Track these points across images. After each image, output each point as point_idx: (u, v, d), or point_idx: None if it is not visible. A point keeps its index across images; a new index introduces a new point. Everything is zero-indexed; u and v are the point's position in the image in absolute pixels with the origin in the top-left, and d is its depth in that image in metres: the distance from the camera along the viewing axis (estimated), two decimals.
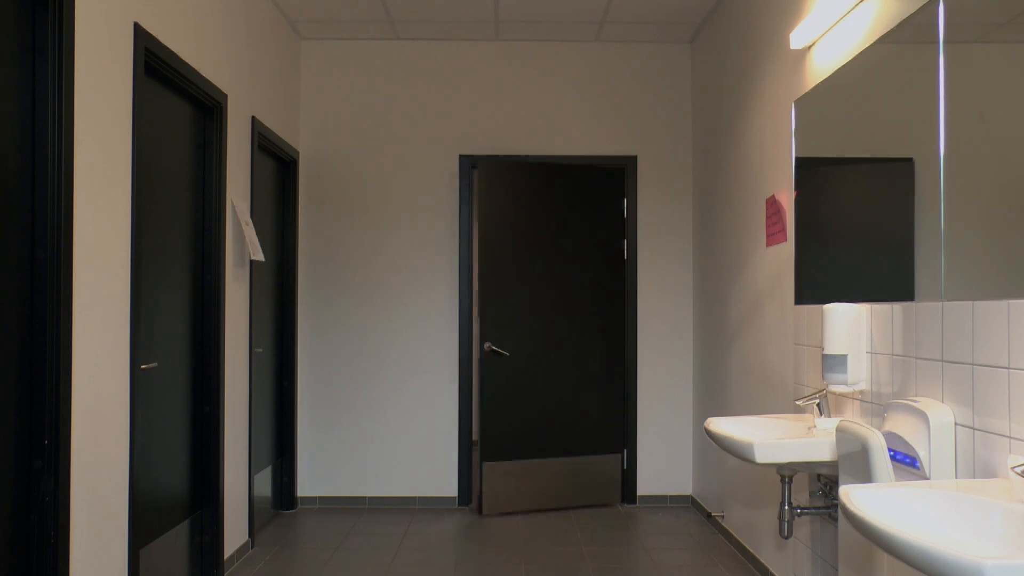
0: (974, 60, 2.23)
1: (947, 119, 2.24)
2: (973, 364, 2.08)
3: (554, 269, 5.12)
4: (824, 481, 2.96)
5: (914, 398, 2.31)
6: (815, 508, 2.94)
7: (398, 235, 5.27)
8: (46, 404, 2.39)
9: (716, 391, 4.69)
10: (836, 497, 2.86)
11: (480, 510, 5.00)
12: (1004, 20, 2.12)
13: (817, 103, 3.20)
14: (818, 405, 2.89)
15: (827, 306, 2.79)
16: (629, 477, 5.29)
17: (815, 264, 3.25)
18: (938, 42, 2.27)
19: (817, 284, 3.24)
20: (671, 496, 5.28)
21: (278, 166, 5.00)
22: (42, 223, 2.40)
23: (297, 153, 5.18)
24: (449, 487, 5.25)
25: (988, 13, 2.19)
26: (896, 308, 2.52)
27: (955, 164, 2.22)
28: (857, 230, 2.97)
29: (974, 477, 2.07)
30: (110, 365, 2.76)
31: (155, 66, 3.13)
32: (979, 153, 2.21)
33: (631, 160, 5.26)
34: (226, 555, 3.90)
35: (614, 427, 5.27)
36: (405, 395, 5.25)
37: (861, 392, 2.75)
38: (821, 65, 3.17)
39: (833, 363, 2.74)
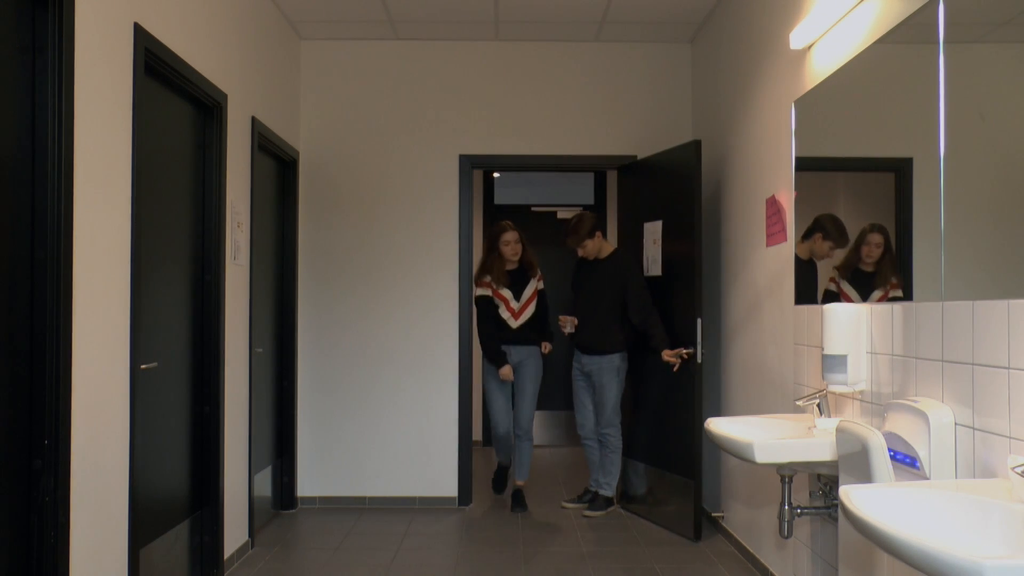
0: (974, 60, 2.23)
1: (947, 119, 2.24)
2: (973, 364, 2.08)
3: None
4: (824, 481, 2.96)
5: (914, 398, 2.30)
6: (815, 508, 2.94)
7: (398, 235, 5.27)
8: (46, 404, 2.39)
9: (716, 391, 4.68)
10: (836, 497, 2.86)
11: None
12: (1004, 20, 2.12)
13: (817, 103, 3.20)
14: (818, 405, 2.89)
15: (827, 306, 2.78)
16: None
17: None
18: (938, 42, 2.26)
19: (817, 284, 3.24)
20: None
21: (278, 166, 5.00)
22: (42, 223, 2.40)
23: (297, 153, 5.18)
24: (449, 487, 5.24)
25: (988, 13, 2.19)
26: (896, 308, 2.52)
27: (955, 164, 2.22)
28: (858, 229, 2.96)
29: (974, 477, 2.07)
30: (110, 365, 2.76)
31: (155, 66, 3.13)
32: (979, 153, 2.21)
33: (631, 160, 5.26)
34: (226, 555, 3.90)
35: None
36: (405, 395, 5.25)
37: (861, 392, 2.75)
38: (821, 65, 3.17)
39: (833, 363, 2.74)
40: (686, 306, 4.54)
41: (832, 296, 3.02)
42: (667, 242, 4.78)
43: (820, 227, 3.19)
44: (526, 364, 5.12)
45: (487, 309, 5.06)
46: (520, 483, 5.20)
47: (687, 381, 4.52)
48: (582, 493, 5.23)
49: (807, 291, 3.28)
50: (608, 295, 4.90)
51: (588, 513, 4.98)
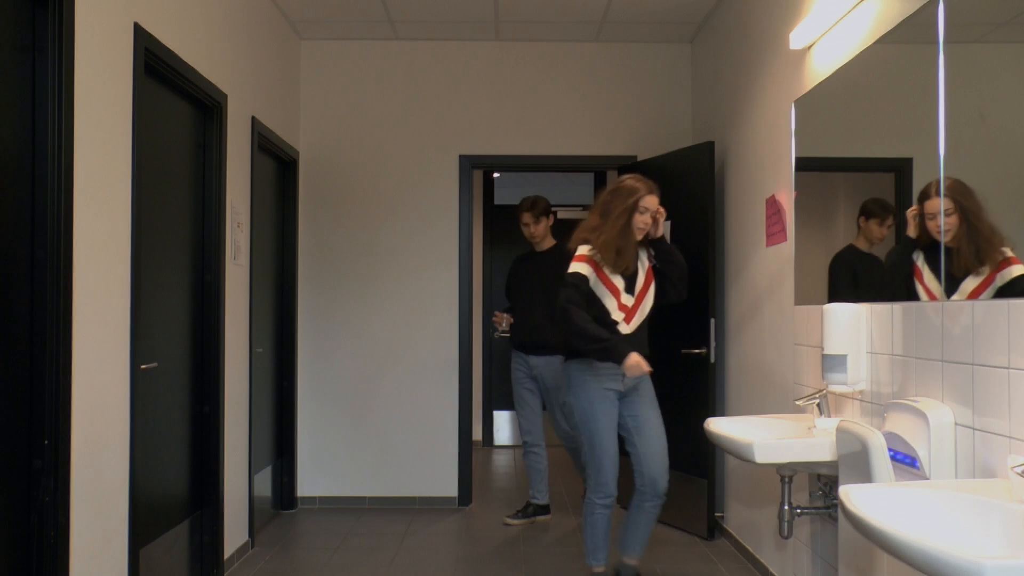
0: (974, 60, 2.23)
1: (947, 119, 2.24)
2: (973, 364, 2.08)
3: None
4: (824, 481, 2.96)
5: (914, 398, 2.30)
6: (815, 508, 2.94)
7: (398, 235, 5.27)
8: (46, 404, 2.39)
9: (716, 391, 4.68)
10: (836, 497, 2.86)
11: None
12: (1004, 20, 2.12)
13: (817, 103, 3.20)
14: (818, 405, 2.89)
15: (827, 306, 2.78)
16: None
17: (815, 264, 3.25)
18: (938, 42, 2.26)
19: (817, 284, 3.23)
20: None
21: (278, 166, 5.00)
22: (42, 223, 2.40)
23: (297, 153, 5.18)
24: (449, 487, 5.24)
25: (988, 13, 2.19)
26: (896, 308, 2.51)
27: (955, 164, 2.22)
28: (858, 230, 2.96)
29: (974, 477, 2.07)
30: (110, 365, 2.76)
31: (155, 66, 3.13)
32: (979, 153, 2.21)
33: (631, 160, 5.26)
34: (226, 555, 3.90)
35: None
36: (405, 395, 5.25)
37: (861, 392, 2.75)
38: (821, 65, 3.17)
39: (833, 363, 2.73)
40: (697, 306, 4.55)
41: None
42: (676, 242, 4.76)
43: (865, 211, 2.81)
44: (643, 385, 3.47)
45: (582, 289, 3.34)
46: (634, 561, 3.52)
47: (699, 380, 4.52)
48: (524, 507, 4.93)
49: (882, 285, 2.76)
50: (551, 289, 4.17)
51: (509, 521, 4.81)
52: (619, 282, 3.38)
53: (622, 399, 3.43)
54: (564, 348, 3.69)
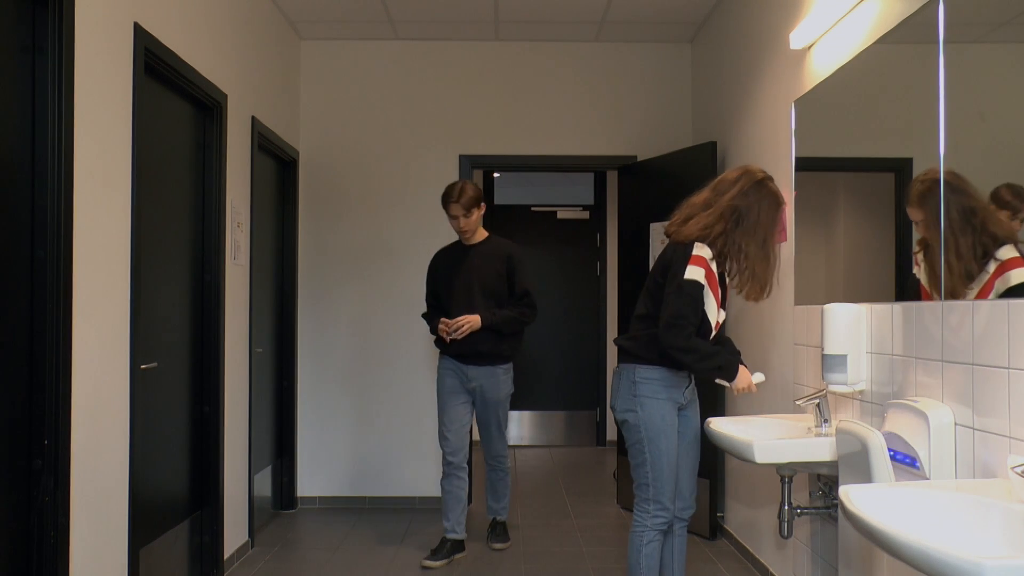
0: (974, 60, 2.23)
1: (947, 119, 2.24)
2: (973, 364, 2.08)
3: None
4: (824, 481, 2.96)
5: (914, 398, 2.30)
6: (815, 508, 2.93)
7: (398, 235, 5.27)
8: (46, 404, 2.39)
9: (716, 391, 4.68)
10: (836, 497, 2.86)
11: None
12: (1004, 20, 2.12)
13: (817, 103, 3.20)
14: (818, 405, 2.88)
15: (827, 306, 2.78)
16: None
17: (815, 264, 3.25)
18: (938, 42, 2.26)
19: (817, 284, 3.24)
20: None
21: (278, 166, 5.00)
22: (42, 223, 2.40)
23: (297, 153, 5.18)
24: None
25: (988, 13, 2.19)
26: (896, 308, 2.51)
27: (955, 164, 2.22)
28: (858, 229, 2.96)
29: (974, 477, 2.07)
30: (110, 365, 2.76)
31: (155, 66, 3.13)
32: (979, 153, 2.21)
33: (631, 160, 5.26)
34: (226, 555, 3.90)
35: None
36: (405, 395, 5.24)
37: (861, 392, 2.75)
38: (821, 65, 3.17)
39: (833, 363, 2.73)
40: None
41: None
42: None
43: (995, 200, 2.33)
44: (695, 398, 3.14)
45: (699, 303, 2.82)
46: None
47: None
48: (440, 544, 4.13)
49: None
50: (492, 286, 4.08)
51: (498, 546, 4.31)
52: (719, 295, 2.88)
53: (679, 412, 3.02)
54: (501, 355, 3.98)
